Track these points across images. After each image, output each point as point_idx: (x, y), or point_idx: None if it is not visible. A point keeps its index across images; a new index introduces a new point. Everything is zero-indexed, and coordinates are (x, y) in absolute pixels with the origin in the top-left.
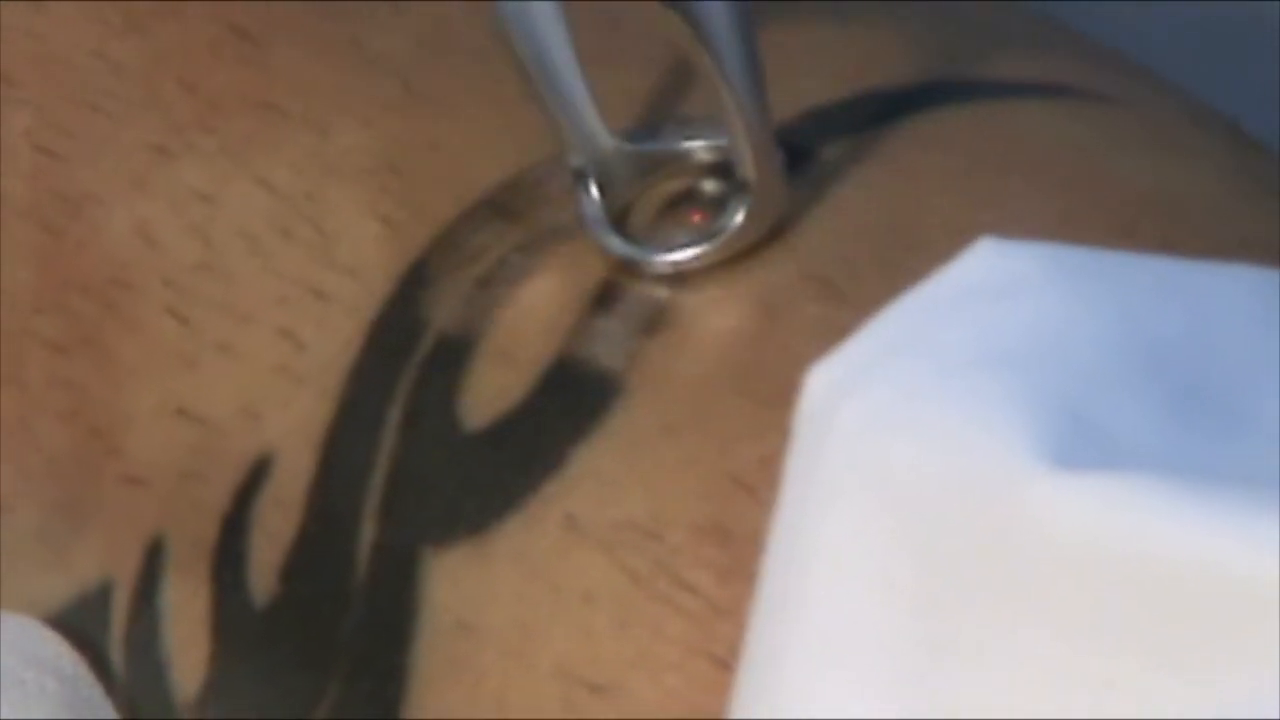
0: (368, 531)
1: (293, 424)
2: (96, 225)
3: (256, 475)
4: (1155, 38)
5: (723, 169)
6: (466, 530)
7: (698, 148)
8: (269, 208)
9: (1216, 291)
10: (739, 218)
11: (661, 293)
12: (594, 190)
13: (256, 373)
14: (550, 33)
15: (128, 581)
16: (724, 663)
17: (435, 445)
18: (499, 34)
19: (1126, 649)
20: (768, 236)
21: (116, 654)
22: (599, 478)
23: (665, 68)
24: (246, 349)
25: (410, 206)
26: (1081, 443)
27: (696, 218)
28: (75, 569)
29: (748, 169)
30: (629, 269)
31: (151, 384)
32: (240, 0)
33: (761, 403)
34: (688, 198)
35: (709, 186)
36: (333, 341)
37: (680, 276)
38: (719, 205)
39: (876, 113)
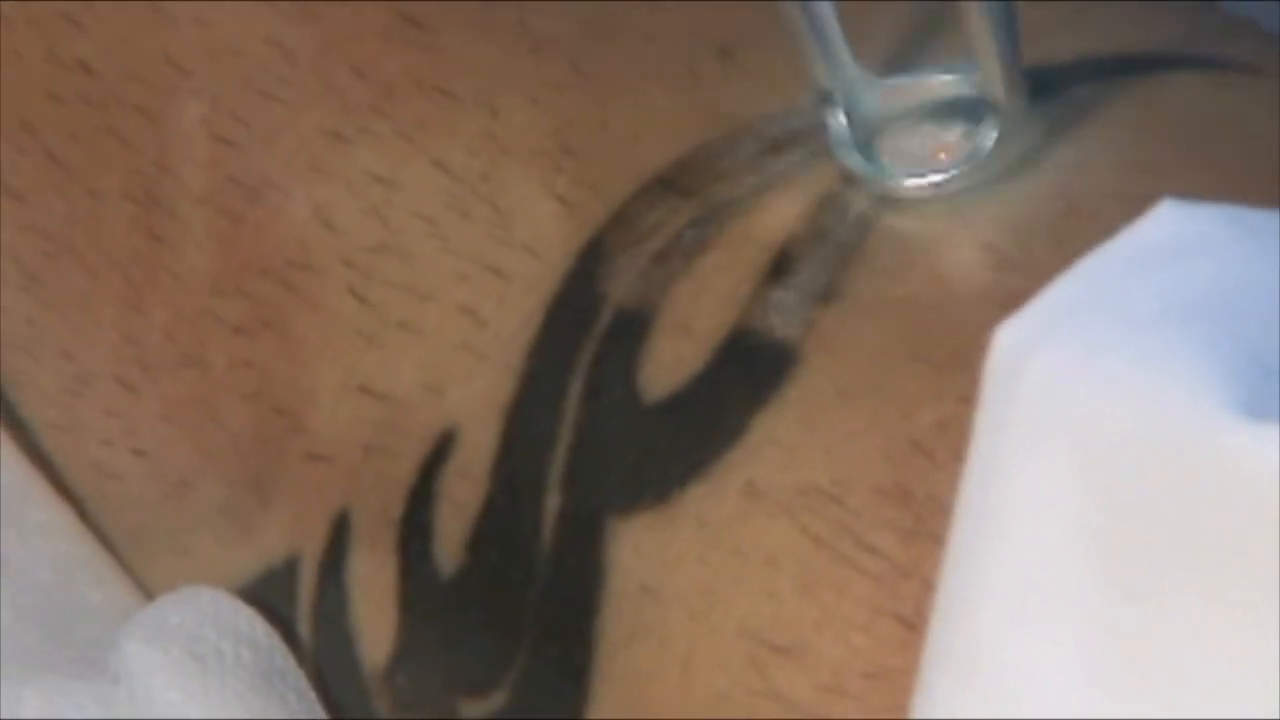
0: (553, 501)
1: (476, 398)
2: (275, 210)
3: (441, 449)
4: None
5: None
6: (650, 498)
7: (944, 81)
8: (446, 189)
9: None
10: (989, 141)
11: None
12: (840, 115)
13: (438, 349)
14: None
15: (314, 556)
16: (909, 623)
17: (617, 416)
18: None
19: None
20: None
21: (304, 627)
22: (779, 444)
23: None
24: (427, 327)
25: (585, 184)
26: (1271, 393)
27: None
28: (262, 544)
29: (997, 90)
30: (872, 191)
31: (334, 363)
32: None
33: (937, 367)
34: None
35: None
36: (513, 317)
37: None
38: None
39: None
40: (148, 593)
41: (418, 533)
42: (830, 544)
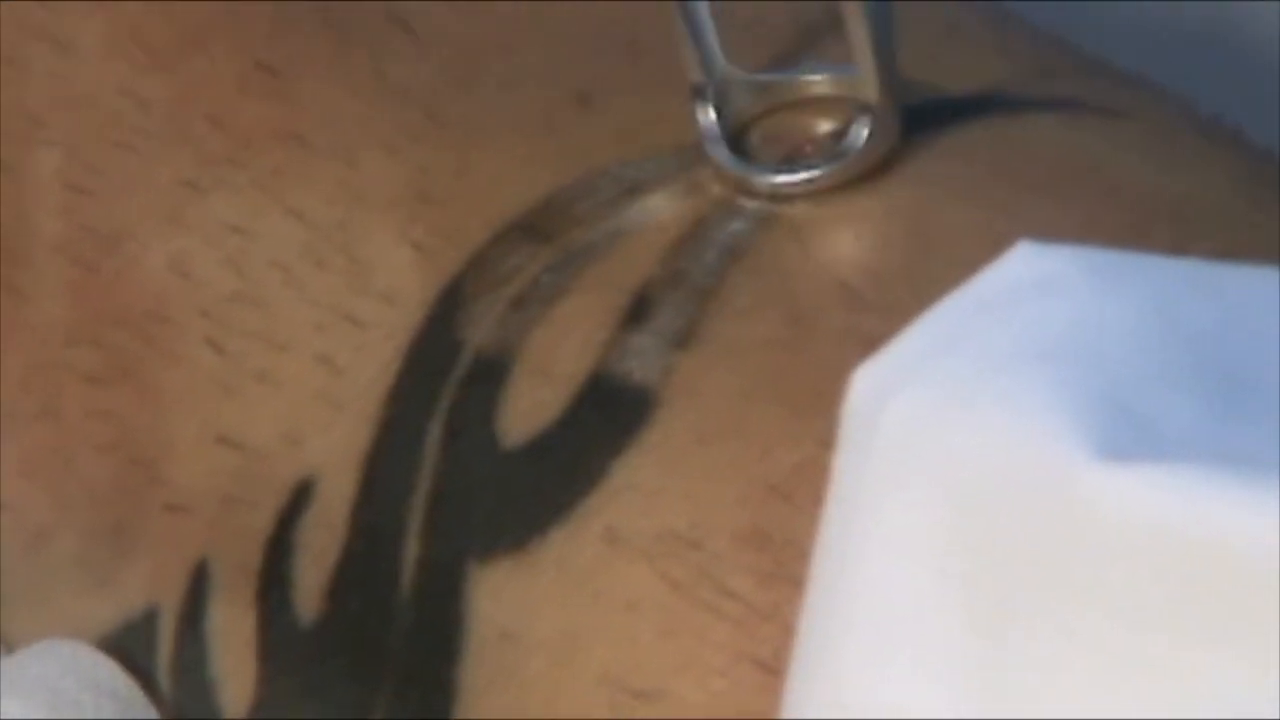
0: (412, 548)
1: (334, 447)
2: (131, 260)
3: (299, 498)
4: (1150, 41)
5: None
6: (509, 544)
7: (817, 80)
8: (302, 238)
9: (1244, 290)
10: (861, 138)
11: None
12: (710, 110)
13: (296, 399)
14: None
15: (174, 607)
16: (769, 666)
17: (476, 462)
18: None
19: (1180, 632)
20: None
21: (164, 678)
22: (638, 489)
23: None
24: (285, 376)
25: (441, 232)
26: (1128, 433)
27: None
28: (121, 595)
29: (871, 88)
30: (740, 187)
31: (192, 413)
32: (264, 35)
33: (795, 410)
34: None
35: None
36: (370, 365)
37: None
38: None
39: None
40: (7, 645)
41: (277, 582)
42: (689, 589)
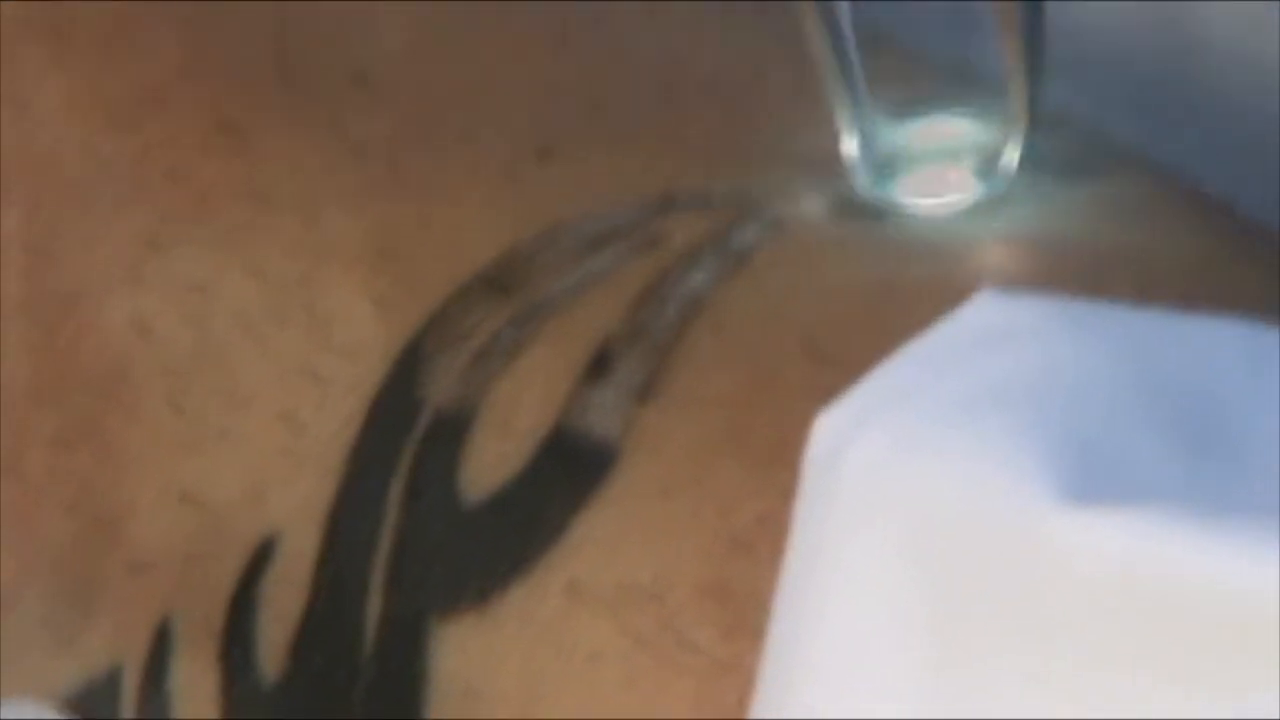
0: (375, 605)
1: (296, 504)
2: (92, 319)
3: (262, 555)
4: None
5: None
6: (473, 599)
7: (952, 121)
8: (263, 294)
9: (1205, 339)
10: (1014, 160)
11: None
12: (854, 140)
13: (258, 456)
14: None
15: (136, 665)
16: (732, 718)
17: (438, 518)
18: None
19: (1148, 674)
20: None
21: None
22: (600, 543)
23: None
24: (247, 433)
25: (402, 286)
26: (1094, 477)
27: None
28: (84, 654)
29: (1019, 105)
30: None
31: (154, 471)
32: (224, 92)
33: (756, 463)
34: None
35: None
36: (332, 422)
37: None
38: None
39: None
40: None
41: (240, 640)
42: (652, 642)
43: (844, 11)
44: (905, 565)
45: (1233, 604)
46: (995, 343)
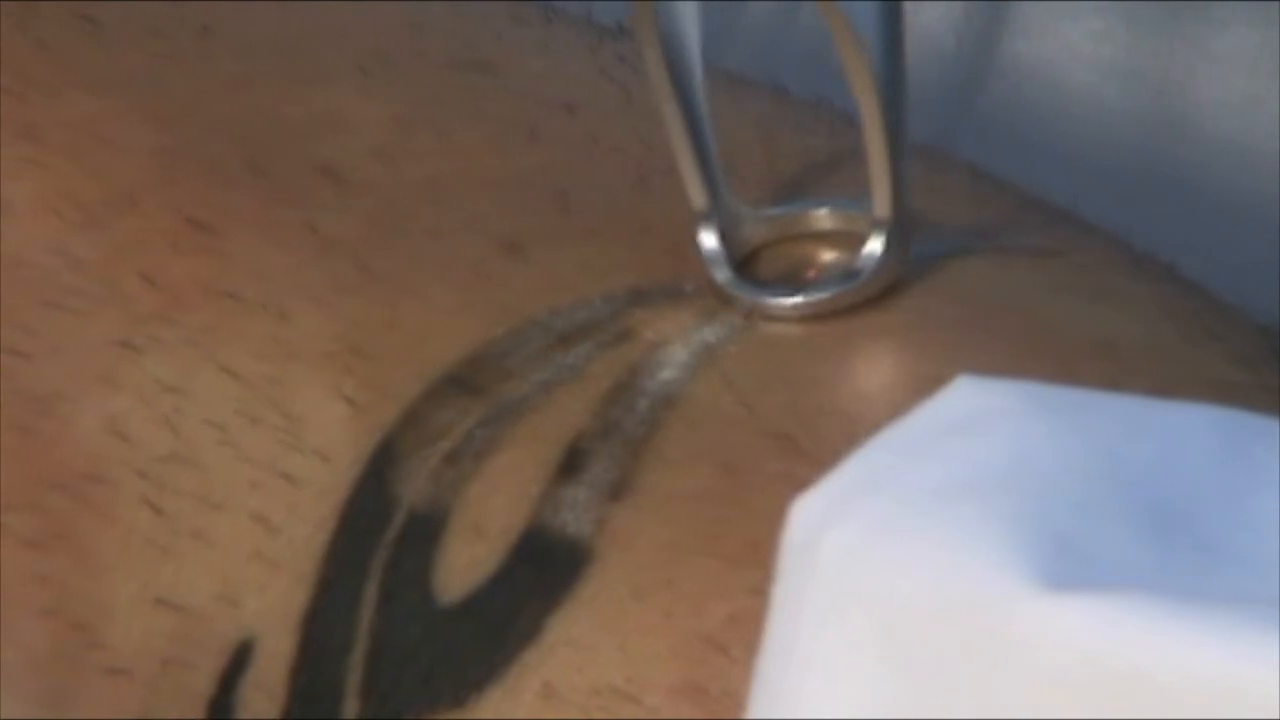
0: (351, 708)
1: (271, 607)
2: (67, 422)
3: (238, 660)
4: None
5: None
6: (447, 702)
7: (819, 214)
8: (235, 395)
9: (1178, 426)
10: (875, 259)
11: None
12: (713, 235)
13: (232, 559)
14: (692, 87)
15: None
16: None
17: (412, 620)
18: (641, 35)
19: None
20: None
21: None
22: (574, 645)
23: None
24: (221, 536)
25: (374, 386)
26: (1066, 564)
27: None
28: None
29: (884, 207)
30: (751, 311)
31: (129, 575)
32: (194, 191)
33: (729, 561)
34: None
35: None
36: (306, 524)
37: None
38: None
39: None
40: None
41: None
42: None
43: (702, 99)
44: (881, 653)
45: (1202, 693)
46: (969, 429)
